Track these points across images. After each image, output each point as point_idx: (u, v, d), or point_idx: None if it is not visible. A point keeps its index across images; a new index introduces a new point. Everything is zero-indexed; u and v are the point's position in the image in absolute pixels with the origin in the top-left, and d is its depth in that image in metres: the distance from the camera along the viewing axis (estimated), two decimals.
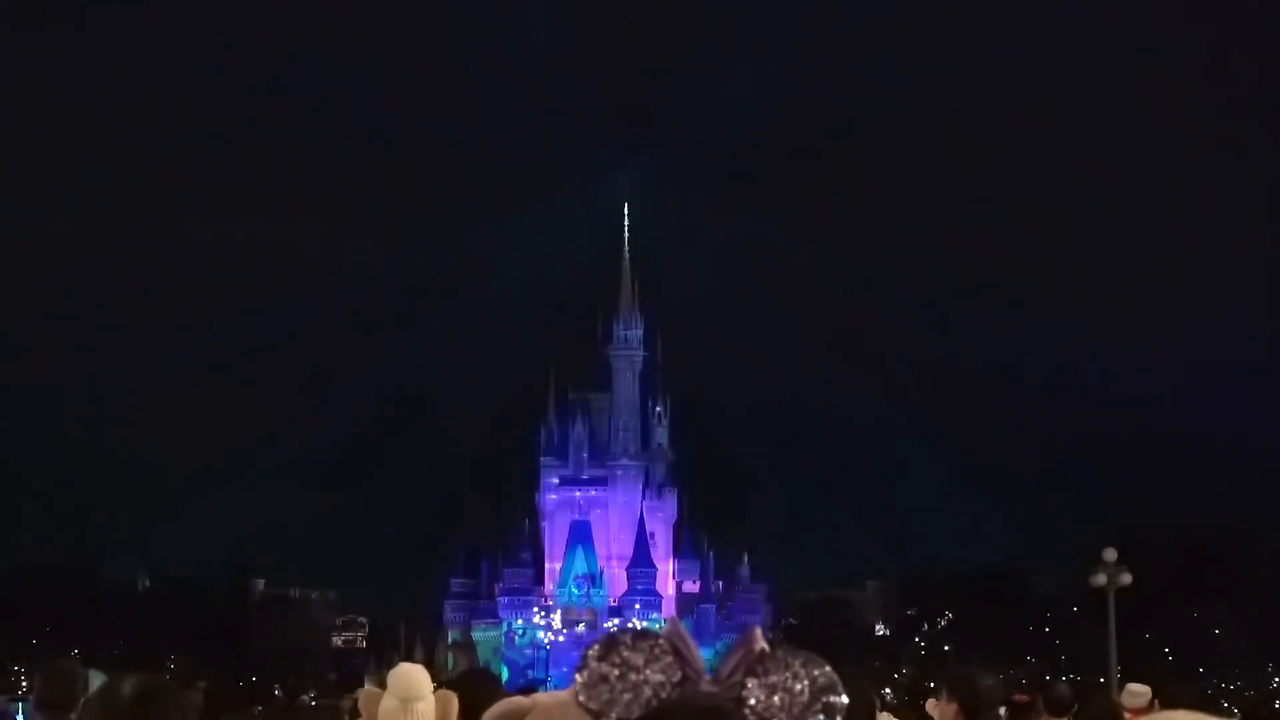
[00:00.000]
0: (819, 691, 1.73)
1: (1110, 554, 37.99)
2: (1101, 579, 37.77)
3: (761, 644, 1.75)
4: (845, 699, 1.74)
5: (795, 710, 1.72)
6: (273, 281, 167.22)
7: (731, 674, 1.73)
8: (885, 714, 8.59)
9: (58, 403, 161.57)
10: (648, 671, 1.70)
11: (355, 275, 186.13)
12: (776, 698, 1.72)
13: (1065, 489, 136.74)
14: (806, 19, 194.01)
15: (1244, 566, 68.67)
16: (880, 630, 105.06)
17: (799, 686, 1.73)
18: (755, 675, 1.73)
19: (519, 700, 3.49)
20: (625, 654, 1.71)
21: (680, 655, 1.72)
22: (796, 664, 1.74)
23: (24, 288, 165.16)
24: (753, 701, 1.72)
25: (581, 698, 1.69)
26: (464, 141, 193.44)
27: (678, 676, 1.71)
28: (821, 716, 1.73)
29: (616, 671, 1.70)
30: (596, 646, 1.73)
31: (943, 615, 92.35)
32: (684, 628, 1.76)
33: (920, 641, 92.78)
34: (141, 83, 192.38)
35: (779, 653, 1.76)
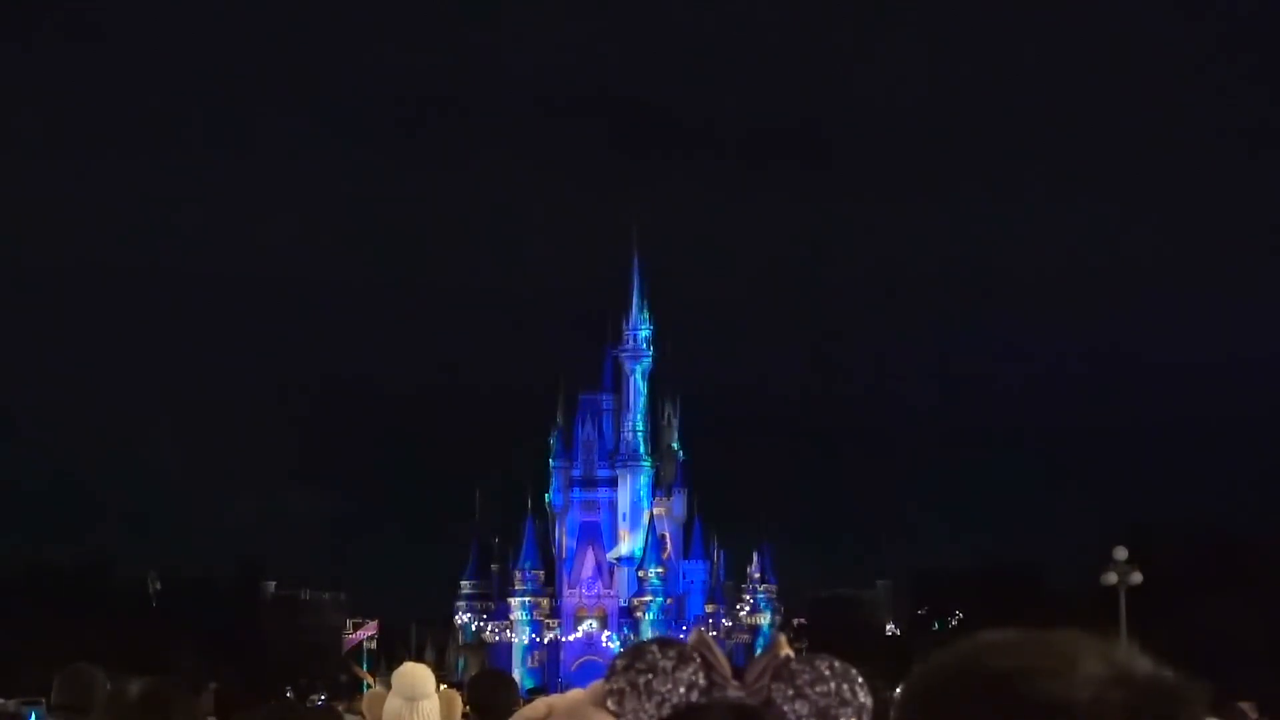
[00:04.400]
0: (845, 695, 1.72)
1: (1121, 553, 37.96)
2: (1112, 578, 37.74)
3: (787, 649, 1.74)
4: (870, 702, 1.73)
5: (822, 714, 1.70)
6: (284, 283, 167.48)
7: (758, 679, 1.72)
8: None
9: (68, 405, 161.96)
10: (675, 677, 1.69)
11: (368, 278, 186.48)
12: (803, 702, 1.70)
13: (1076, 486, 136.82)
14: (811, 17, 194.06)
15: (1257, 564, 68.44)
16: (890, 629, 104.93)
17: (825, 690, 1.71)
18: (781, 680, 1.71)
19: (534, 710, 3.45)
20: (652, 661, 1.69)
21: (706, 662, 1.70)
22: (822, 667, 1.72)
23: (31, 293, 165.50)
24: (780, 705, 1.70)
25: (611, 706, 1.68)
26: (476, 144, 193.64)
27: (704, 683, 1.69)
28: None
29: (644, 679, 1.68)
30: (624, 655, 1.71)
31: (953, 614, 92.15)
32: (709, 636, 1.75)
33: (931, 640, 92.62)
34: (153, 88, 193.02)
35: (805, 657, 1.74)
